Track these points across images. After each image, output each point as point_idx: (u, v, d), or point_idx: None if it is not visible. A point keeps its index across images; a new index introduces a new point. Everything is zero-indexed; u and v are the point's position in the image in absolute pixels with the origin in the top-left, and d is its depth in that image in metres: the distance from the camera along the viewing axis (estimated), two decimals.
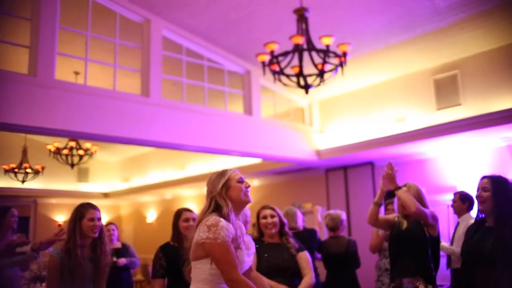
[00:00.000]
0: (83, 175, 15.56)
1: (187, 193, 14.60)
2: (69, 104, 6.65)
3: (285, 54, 5.92)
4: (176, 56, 8.37)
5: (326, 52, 5.84)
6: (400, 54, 8.41)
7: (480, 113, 7.67)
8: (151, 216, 16.20)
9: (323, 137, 10.18)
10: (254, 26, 7.99)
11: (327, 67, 5.99)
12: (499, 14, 7.05)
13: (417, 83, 8.83)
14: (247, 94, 9.26)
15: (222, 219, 2.60)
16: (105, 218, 16.04)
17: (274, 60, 5.97)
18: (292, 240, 4.23)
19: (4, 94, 6.06)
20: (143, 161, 14.96)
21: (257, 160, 10.72)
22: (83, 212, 3.87)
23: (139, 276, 13.18)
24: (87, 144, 10.87)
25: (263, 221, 4.26)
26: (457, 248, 5.24)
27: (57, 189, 14.79)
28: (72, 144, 10.69)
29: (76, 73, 9.19)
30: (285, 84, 6.28)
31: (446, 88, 8.37)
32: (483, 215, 3.68)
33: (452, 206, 5.90)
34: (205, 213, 2.71)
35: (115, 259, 6.04)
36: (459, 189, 7.77)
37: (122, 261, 6.23)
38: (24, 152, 11.92)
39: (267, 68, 6.11)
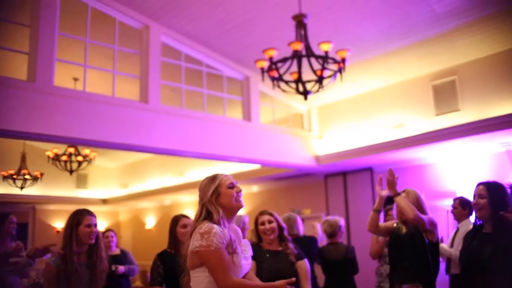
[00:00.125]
0: (82, 181, 15.53)
1: (186, 199, 14.58)
2: (68, 110, 6.64)
3: (284, 60, 5.92)
4: (175, 62, 8.37)
5: (325, 58, 5.85)
6: (398, 60, 8.42)
7: (479, 118, 7.68)
8: (150, 222, 16.17)
9: (322, 143, 10.18)
10: (253, 32, 8.01)
11: (326, 73, 6.00)
12: (497, 20, 7.07)
13: (416, 88, 8.84)
14: (246, 100, 9.27)
15: (215, 226, 2.58)
16: (104, 224, 16.03)
17: (273, 66, 5.98)
18: (291, 246, 4.20)
19: (3, 100, 6.05)
20: (142, 167, 14.95)
21: (256, 166, 10.72)
22: (80, 218, 3.84)
23: (138, 283, 13.14)
24: (86, 150, 10.86)
25: (261, 227, 4.22)
26: (455, 251, 5.24)
27: (55, 195, 14.76)
28: (71, 150, 10.68)
29: (75, 79, 9.19)
30: (284, 90, 6.28)
31: (444, 93, 8.39)
32: (481, 222, 3.67)
33: (453, 212, 5.88)
34: (197, 220, 2.70)
35: (114, 268, 6.01)
36: (458, 194, 7.76)
37: (121, 269, 6.21)
38: (23, 158, 11.90)
39: (266, 74, 6.11)
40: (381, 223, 4.42)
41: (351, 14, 7.34)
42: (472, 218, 5.15)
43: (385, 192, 4.32)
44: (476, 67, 8.06)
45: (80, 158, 10.76)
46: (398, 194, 4.17)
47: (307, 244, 5.31)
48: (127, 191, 15.36)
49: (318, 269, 5.89)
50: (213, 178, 2.79)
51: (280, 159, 9.46)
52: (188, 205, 14.40)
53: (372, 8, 7.18)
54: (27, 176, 11.85)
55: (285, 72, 6.03)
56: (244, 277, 2.77)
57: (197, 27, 8.01)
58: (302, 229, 5.71)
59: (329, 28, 7.50)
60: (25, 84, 6.36)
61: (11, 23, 7.18)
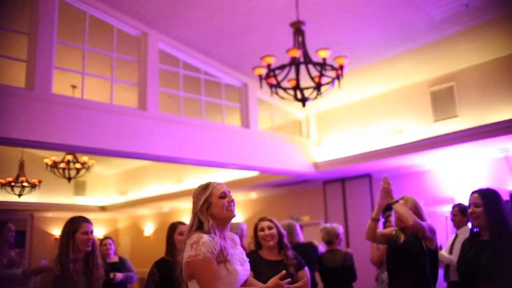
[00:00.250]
0: (80, 188, 15.50)
1: (184, 206, 14.56)
2: (66, 118, 6.64)
3: (282, 67, 5.93)
4: (173, 70, 8.38)
5: (322, 65, 5.85)
6: (396, 67, 8.44)
7: (477, 124, 7.69)
8: (148, 229, 16.13)
9: (320, 150, 10.19)
10: (251, 40, 8.02)
11: (324, 80, 6.00)
12: (495, 26, 7.09)
13: (414, 95, 8.85)
14: (244, 107, 9.28)
15: (204, 235, 2.58)
16: (102, 232, 16.00)
17: (271, 73, 5.98)
18: (291, 255, 4.17)
19: (1, 108, 6.05)
20: (140, 174, 14.93)
21: (255, 173, 10.71)
22: (77, 226, 3.83)
23: None
24: (84, 158, 10.84)
25: (261, 233, 4.18)
26: (455, 258, 5.23)
27: (54, 203, 14.72)
28: (69, 157, 10.66)
29: (73, 86, 9.19)
30: (282, 97, 6.28)
31: (443, 100, 8.40)
32: (477, 229, 3.66)
33: (452, 219, 5.88)
34: (190, 230, 2.70)
35: (112, 275, 6.00)
36: (457, 200, 7.77)
37: (119, 276, 6.19)
38: (21, 165, 11.89)
39: (264, 81, 6.11)
40: (380, 230, 4.41)
41: (349, 21, 7.36)
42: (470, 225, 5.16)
43: (391, 199, 4.29)
44: (474, 73, 8.07)
45: (78, 166, 10.74)
46: (396, 201, 4.17)
47: (307, 251, 5.30)
48: (126, 198, 15.33)
49: (318, 277, 5.88)
50: (205, 187, 2.78)
51: (278, 166, 9.45)
52: (187, 212, 14.36)
53: (369, 15, 7.19)
54: (25, 184, 11.83)
55: (283, 79, 6.03)
56: (244, 284, 2.76)
57: (195, 34, 8.03)
58: (301, 236, 5.70)
59: (327, 35, 7.52)
60: (23, 91, 6.36)
61: (10, 31, 7.18)
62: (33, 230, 15.26)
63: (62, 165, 10.63)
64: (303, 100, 6.06)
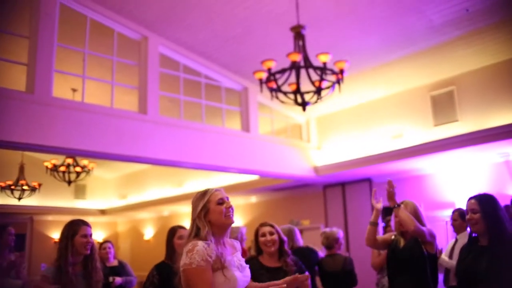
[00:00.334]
0: (80, 192, 15.50)
1: (184, 210, 14.54)
2: (66, 121, 6.64)
3: (282, 71, 5.93)
4: (173, 73, 8.38)
5: (323, 70, 5.85)
6: (397, 71, 8.44)
7: (477, 129, 7.69)
8: (148, 233, 16.12)
9: (320, 154, 10.18)
10: (251, 43, 8.03)
11: (324, 84, 6.00)
12: (495, 30, 7.10)
13: (414, 99, 8.85)
14: (244, 111, 9.27)
15: (199, 243, 2.56)
16: (102, 235, 15.97)
17: (271, 78, 5.98)
18: (291, 262, 4.13)
19: (2, 111, 6.04)
20: (141, 178, 14.93)
21: (255, 177, 10.70)
22: (76, 229, 3.83)
23: None
24: (84, 161, 10.85)
25: (262, 239, 4.12)
26: (456, 262, 5.22)
27: (54, 206, 14.71)
28: (69, 161, 10.67)
29: (74, 90, 9.20)
30: (282, 101, 6.28)
31: (443, 104, 8.40)
32: (476, 234, 3.66)
33: (452, 224, 5.86)
34: (189, 237, 2.70)
35: (111, 279, 5.98)
36: (457, 205, 7.77)
37: (118, 280, 6.17)
38: (21, 169, 11.90)
39: (264, 85, 6.11)
40: (379, 236, 4.40)
41: (349, 25, 7.37)
42: None
43: (380, 205, 4.30)
44: (474, 78, 8.08)
45: (78, 169, 10.75)
46: (398, 205, 4.16)
47: (306, 256, 5.29)
48: (126, 202, 15.33)
49: (318, 281, 5.87)
50: (203, 194, 2.77)
51: (278, 170, 9.45)
52: (187, 216, 14.34)
53: (370, 19, 7.20)
54: (25, 187, 11.83)
55: (283, 83, 6.03)
56: None
57: (196, 38, 8.04)
58: (301, 240, 5.69)
59: (327, 39, 7.52)
60: (23, 95, 6.36)
61: (10, 35, 7.19)
62: (33, 233, 15.25)
63: (62, 168, 10.64)
64: (304, 104, 6.06)
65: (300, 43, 6.09)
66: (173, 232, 4.40)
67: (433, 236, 4.06)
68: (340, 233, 5.95)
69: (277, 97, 6.19)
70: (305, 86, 6.08)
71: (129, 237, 17.04)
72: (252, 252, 4.30)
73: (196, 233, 2.68)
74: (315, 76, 6.03)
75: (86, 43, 7.21)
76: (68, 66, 7.75)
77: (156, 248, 14.21)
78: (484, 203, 3.53)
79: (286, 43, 6.47)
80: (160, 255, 4.52)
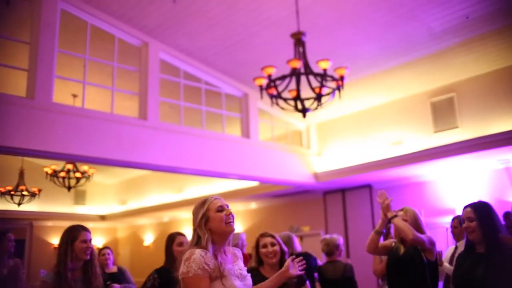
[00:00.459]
0: (80, 197, 15.48)
1: (184, 216, 14.52)
2: (66, 127, 6.64)
3: (282, 78, 5.93)
4: (173, 79, 8.39)
5: (323, 76, 5.85)
6: (397, 78, 8.45)
7: (478, 135, 7.69)
8: (148, 239, 16.08)
9: (320, 160, 10.18)
10: (252, 50, 8.04)
11: (325, 90, 6.00)
12: (494, 38, 7.11)
13: (414, 106, 8.86)
14: (244, 117, 9.28)
15: (196, 251, 2.57)
16: (101, 241, 15.93)
17: (272, 84, 5.98)
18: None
19: (2, 116, 6.05)
20: (141, 183, 14.91)
21: (255, 183, 10.69)
22: (76, 234, 3.81)
23: None
24: (84, 167, 10.84)
25: (263, 250, 4.00)
26: None
27: (53, 212, 14.67)
28: (69, 166, 10.65)
29: (74, 95, 9.21)
30: (282, 108, 6.28)
31: (443, 110, 8.41)
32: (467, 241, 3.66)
33: (452, 232, 5.85)
34: (190, 246, 2.70)
35: (108, 283, 5.95)
36: (457, 212, 7.74)
37: (116, 286, 6.15)
38: (21, 174, 11.88)
39: (264, 92, 6.12)
40: (380, 242, 4.38)
41: (349, 32, 7.38)
42: None
43: (390, 214, 4.24)
44: (474, 84, 8.09)
45: (78, 175, 10.74)
46: (395, 215, 4.15)
47: (305, 261, 5.27)
48: (125, 208, 15.31)
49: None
50: (203, 202, 2.77)
51: (278, 176, 9.44)
52: (187, 222, 14.33)
53: (370, 26, 7.22)
54: (25, 192, 11.81)
55: (283, 90, 6.03)
56: None
57: (196, 44, 8.05)
58: (299, 247, 5.69)
59: (327, 46, 7.53)
60: (24, 100, 6.37)
61: (11, 40, 7.20)
62: (33, 239, 15.22)
63: (62, 174, 10.63)
64: (304, 111, 6.06)
65: (301, 49, 6.10)
66: (172, 239, 4.38)
67: (432, 243, 4.05)
68: (340, 240, 5.93)
69: (277, 104, 6.19)
70: (305, 92, 6.09)
71: (129, 243, 17.01)
72: (252, 263, 4.25)
73: (197, 241, 2.68)
74: (315, 83, 6.03)
75: (87, 49, 7.23)
76: (68, 71, 7.76)
77: (156, 254, 14.17)
78: (480, 211, 3.53)
79: (286, 50, 6.48)
80: (160, 261, 4.51)
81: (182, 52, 8.29)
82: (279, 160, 9.46)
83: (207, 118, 8.81)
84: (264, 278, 3.99)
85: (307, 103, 6.08)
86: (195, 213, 2.77)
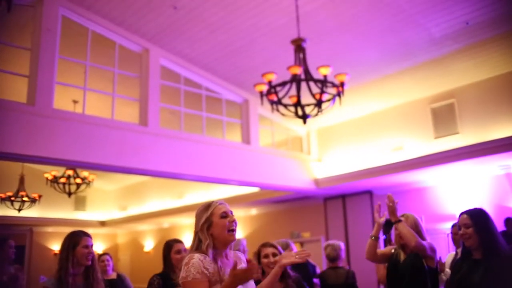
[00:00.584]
0: (80, 203, 15.47)
1: (184, 222, 14.50)
2: (67, 133, 6.65)
3: (283, 84, 5.93)
4: (174, 85, 8.40)
5: (323, 82, 5.85)
6: (397, 84, 8.46)
7: (478, 141, 7.69)
8: (148, 245, 16.06)
9: (321, 166, 10.17)
10: (252, 56, 8.05)
11: (325, 97, 6.00)
12: (495, 43, 7.13)
13: (415, 112, 8.87)
14: (245, 123, 9.28)
15: (195, 255, 2.56)
16: (101, 247, 15.91)
17: (272, 90, 5.99)
18: (293, 284, 4.07)
19: (3, 123, 6.05)
20: (141, 189, 14.90)
21: (255, 189, 10.67)
22: (77, 240, 3.81)
23: None
24: (85, 173, 10.83)
25: (264, 260, 3.95)
26: None
27: (54, 218, 14.68)
28: (70, 172, 10.65)
29: (75, 101, 9.22)
30: (283, 114, 6.28)
31: (443, 116, 8.41)
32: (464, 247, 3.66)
33: (453, 238, 5.84)
34: (191, 250, 2.69)
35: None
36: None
37: None
38: (21, 180, 11.88)
39: (265, 98, 6.12)
40: (379, 250, 4.38)
41: (350, 38, 7.39)
42: None
43: (383, 219, 4.28)
44: (474, 90, 8.10)
45: (78, 181, 10.74)
46: (399, 220, 4.14)
47: (303, 268, 5.28)
48: (126, 214, 15.29)
49: None
50: (207, 206, 2.74)
51: (279, 182, 9.44)
52: (187, 228, 14.32)
53: (370, 32, 7.23)
54: (25, 198, 11.80)
55: (284, 96, 6.04)
56: None
57: (196, 50, 8.07)
58: None
59: (327, 52, 7.55)
60: (24, 107, 6.37)
61: (12, 46, 7.22)
62: (33, 245, 15.20)
63: (63, 180, 10.63)
64: (304, 117, 6.06)
65: (301, 55, 6.10)
66: (169, 247, 4.37)
67: (433, 250, 4.04)
68: (342, 245, 5.93)
69: (277, 110, 6.19)
70: (306, 98, 6.09)
71: (129, 249, 16.98)
72: None
73: (197, 245, 2.67)
74: (315, 89, 6.03)
75: (87, 55, 7.24)
76: (69, 78, 7.77)
77: (156, 260, 14.10)
78: (476, 217, 3.55)
79: (286, 56, 6.49)
80: (160, 267, 4.50)
81: (183, 58, 8.30)
82: (280, 166, 9.46)
83: (208, 124, 8.81)
84: None
85: (308, 109, 6.08)
86: (198, 216, 2.73)
